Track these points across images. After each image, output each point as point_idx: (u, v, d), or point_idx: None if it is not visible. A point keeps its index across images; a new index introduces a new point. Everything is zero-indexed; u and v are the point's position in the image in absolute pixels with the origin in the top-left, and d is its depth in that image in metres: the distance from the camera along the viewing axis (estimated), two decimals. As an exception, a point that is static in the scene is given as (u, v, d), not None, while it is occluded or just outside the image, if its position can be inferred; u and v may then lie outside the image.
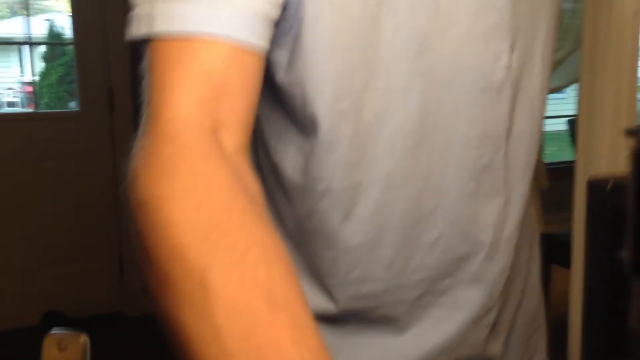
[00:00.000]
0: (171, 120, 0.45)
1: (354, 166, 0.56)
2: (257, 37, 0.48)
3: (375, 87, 0.54)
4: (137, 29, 0.48)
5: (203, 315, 0.37)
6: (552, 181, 3.84)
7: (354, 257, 0.59)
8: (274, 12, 0.50)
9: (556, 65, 3.81)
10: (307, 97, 0.54)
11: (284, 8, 0.51)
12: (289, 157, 0.58)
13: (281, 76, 0.55)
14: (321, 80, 0.53)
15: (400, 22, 0.53)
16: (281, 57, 0.54)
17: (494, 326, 0.64)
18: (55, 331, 0.59)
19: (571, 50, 3.76)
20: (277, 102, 0.57)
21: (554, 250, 2.45)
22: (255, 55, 0.49)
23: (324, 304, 0.61)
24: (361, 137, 0.55)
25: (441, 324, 0.62)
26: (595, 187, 0.42)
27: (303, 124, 0.56)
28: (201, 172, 0.42)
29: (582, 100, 1.17)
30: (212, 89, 0.46)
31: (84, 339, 0.59)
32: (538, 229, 0.74)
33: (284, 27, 0.53)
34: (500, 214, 0.61)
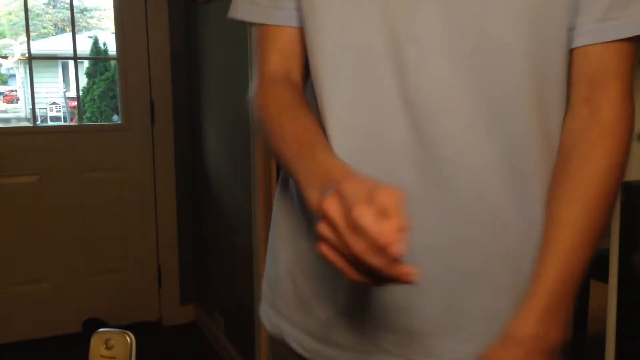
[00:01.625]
0: (268, 73, 0.82)
1: None
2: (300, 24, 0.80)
3: None
4: (232, 13, 0.85)
5: (282, 138, 0.74)
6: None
7: None
8: None
9: None
10: None
11: None
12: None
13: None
14: None
15: None
16: None
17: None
18: (103, 330, 0.61)
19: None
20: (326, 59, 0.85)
21: (593, 265, 2.41)
22: (301, 35, 0.80)
23: None
24: None
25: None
26: (631, 187, 0.43)
27: None
28: (280, 90, 0.80)
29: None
30: (286, 57, 0.82)
31: (130, 338, 0.60)
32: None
33: None
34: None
